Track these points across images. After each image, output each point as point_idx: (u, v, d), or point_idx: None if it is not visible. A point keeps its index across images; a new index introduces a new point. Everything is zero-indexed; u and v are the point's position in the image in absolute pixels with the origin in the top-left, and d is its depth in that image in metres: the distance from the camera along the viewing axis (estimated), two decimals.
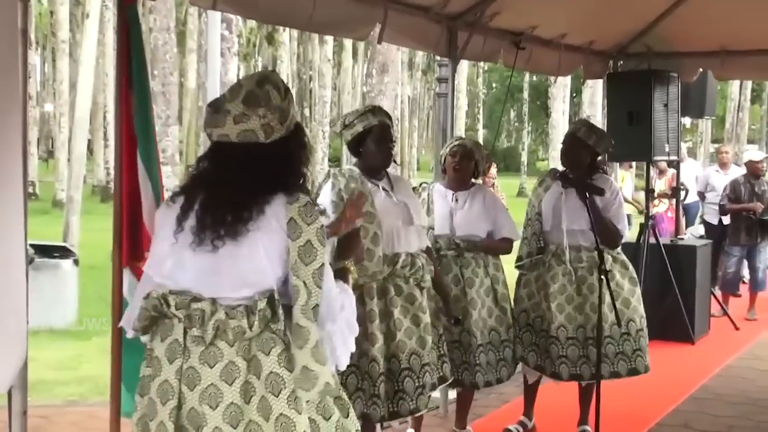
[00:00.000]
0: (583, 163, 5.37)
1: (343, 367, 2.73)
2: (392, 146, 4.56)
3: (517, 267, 5.58)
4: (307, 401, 2.57)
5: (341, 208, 4.12)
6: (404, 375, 4.36)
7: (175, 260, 2.65)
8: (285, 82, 2.73)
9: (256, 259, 2.57)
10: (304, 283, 2.54)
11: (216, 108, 2.64)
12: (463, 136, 5.68)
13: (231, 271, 2.59)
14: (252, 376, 2.55)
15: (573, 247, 5.35)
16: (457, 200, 5.20)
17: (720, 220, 11.18)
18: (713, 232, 11.23)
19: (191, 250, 2.60)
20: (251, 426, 2.53)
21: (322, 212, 2.68)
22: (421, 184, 5.39)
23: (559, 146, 5.60)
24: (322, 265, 2.56)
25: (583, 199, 5.08)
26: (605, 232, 5.20)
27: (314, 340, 2.53)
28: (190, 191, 2.69)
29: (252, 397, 2.54)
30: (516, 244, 5.48)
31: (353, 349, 2.75)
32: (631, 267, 5.53)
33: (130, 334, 2.82)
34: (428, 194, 5.19)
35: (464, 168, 5.24)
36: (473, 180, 5.39)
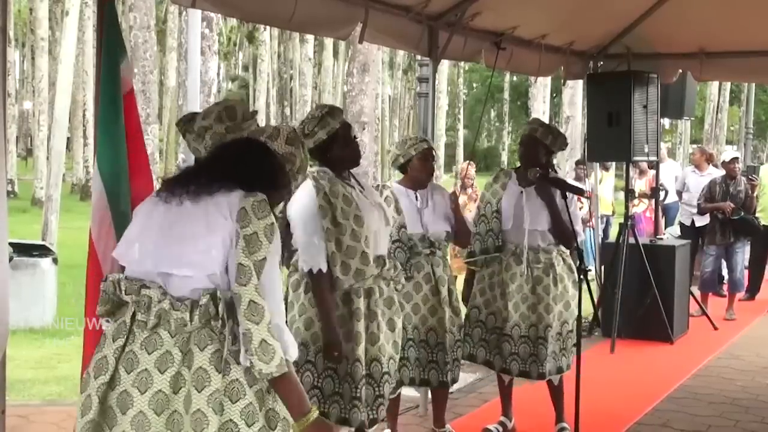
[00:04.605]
0: (541, 161, 5.43)
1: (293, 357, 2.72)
2: (357, 143, 4.46)
3: (469, 263, 5.62)
4: (241, 401, 2.60)
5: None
6: (384, 379, 4.32)
7: (140, 245, 2.74)
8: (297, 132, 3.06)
9: (203, 238, 2.64)
10: (253, 265, 2.61)
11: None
12: (423, 136, 5.65)
13: (180, 247, 2.66)
14: (184, 368, 2.61)
15: (532, 248, 5.40)
16: (419, 198, 5.21)
17: (692, 221, 11.24)
18: (687, 233, 11.28)
19: (157, 210, 2.72)
20: (175, 416, 2.59)
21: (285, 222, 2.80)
22: (383, 184, 5.38)
23: None
24: (264, 259, 2.62)
25: (564, 198, 5.17)
26: (566, 233, 5.35)
27: (269, 317, 2.59)
28: (171, 180, 2.83)
29: (181, 389, 2.60)
30: None
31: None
32: (575, 271, 5.50)
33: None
34: (391, 193, 5.15)
35: (433, 168, 5.29)
36: None
